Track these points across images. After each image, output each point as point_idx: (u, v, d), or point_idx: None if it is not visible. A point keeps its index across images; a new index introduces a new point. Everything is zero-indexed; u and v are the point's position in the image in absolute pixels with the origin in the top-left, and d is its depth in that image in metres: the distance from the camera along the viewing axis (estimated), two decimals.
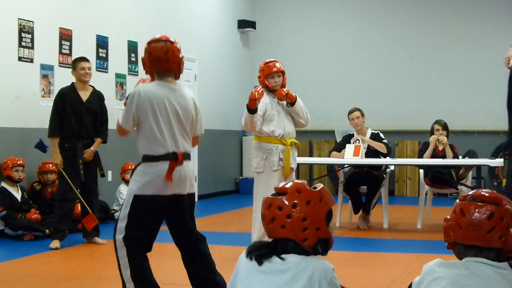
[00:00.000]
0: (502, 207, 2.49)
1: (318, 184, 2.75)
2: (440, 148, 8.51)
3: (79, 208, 7.51)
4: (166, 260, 5.97)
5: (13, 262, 6.55)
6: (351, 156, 8.23)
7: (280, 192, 2.68)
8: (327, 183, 13.32)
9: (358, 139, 8.42)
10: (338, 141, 9.51)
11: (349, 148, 8.29)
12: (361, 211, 8.57)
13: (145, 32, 10.48)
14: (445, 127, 8.60)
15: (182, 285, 4.88)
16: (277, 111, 6.49)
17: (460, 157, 8.79)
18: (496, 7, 12.92)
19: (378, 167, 8.60)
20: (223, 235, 8.07)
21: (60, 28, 8.98)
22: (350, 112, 8.66)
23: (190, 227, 4.43)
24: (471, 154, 9.21)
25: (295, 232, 2.60)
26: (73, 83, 7.52)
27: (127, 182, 9.29)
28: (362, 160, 8.24)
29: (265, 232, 2.70)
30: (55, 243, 7.17)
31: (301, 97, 6.57)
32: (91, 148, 7.37)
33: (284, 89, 6.44)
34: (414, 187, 12.81)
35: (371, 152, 8.48)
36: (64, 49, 8.99)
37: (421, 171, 8.88)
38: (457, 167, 8.59)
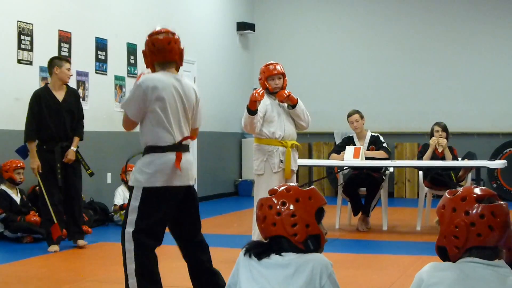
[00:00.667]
0: (494, 204, 2.49)
1: (309, 186, 2.83)
2: (440, 150, 8.51)
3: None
4: (167, 263, 5.97)
5: (13, 265, 6.54)
6: (351, 158, 8.23)
7: (272, 193, 2.77)
8: (326, 185, 13.34)
9: (361, 147, 8.36)
10: (337, 143, 9.51)
11: (349, 150, 8.29)
12: (360, 213, 8.57)
13: (144, 35, 10.30)
14: (444, 129, 8.60)
15: (182, 287, 4.87)
16: (277, 113, 6.49)
17: (460, 159, 8.79)
18: (495, 10, 12.93)
19: (378, 169, 8.60)
20: (222, 237, 8.07)
21: (59, 30, 8.98)
22: (350, 115, 8.65)
23: (196, 224, 4.40)
24: (470, 156, 9.21)
25: (285, 228, 2.68)
26: (47, 84, 7.46)
27: (126, 183, 9.30)
28: (362, 162, 8.24)
29: (260, 232, 2.78)
30: (53, 247, 7.16)
31: (300, 99, 6.57)
32: (72, 147, 7.25)
33: (286, 91, 6.45)
34: (414, 189, 12.82)
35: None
36: (63, 51, 8.99)
37: (421, 173, 8.88)
38: (456, 169, 8.60)
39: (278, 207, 2.69)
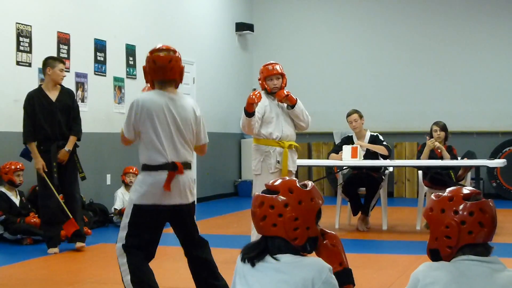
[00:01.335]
0: (482, 201, 2.52)
1: (308, 181, 2.77)
2: (437, 150, 8.51)
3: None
4: (167, 263, 5.97)
5: (12, 266, 6.54)
6: (348, 157, 8.22)
7: (272, 189, 2.70)
8: (326, 185, 13.34)
9: (358, 146, 8.39)
10: (336, 143, 9.51)
11: (346, 149, 8.29)
12: (360, 212, 8.57)
13: (143, 36, 10.51)
14: (443, 128, 8.60)
15: None
16: (276, 113, 6.48)
17: (459, 158, 8.79)
18: (495, 10, 12.93)
19: (377, 168, 8.60)
20: (222, 237, 8.06)
21: (58, 32, 8.98)
22: (349, 115, 8.65)
23: (191, 234, 4.43)
24: (470, 155, 9.22)
25: (286, 231, 2.63)
26: (40, 85, 7.44)
27: (127, 184, 9.30)
28: (361, 162, 8.23)
29: (255, 228, 2.72)
30: (52, 250, 7.15)
31: (299, 99, 6.56)
32: (65, 148, 7.20)
33: (285, 91, 6.44)
34: (413, 189, 12.82)
35: (370, 154, 8.48)
36: (62, 53, 8.99)
37: (420, 172, 8.88)
38: (456, 168, 8.60)
39: (280, 208, 2.63)
